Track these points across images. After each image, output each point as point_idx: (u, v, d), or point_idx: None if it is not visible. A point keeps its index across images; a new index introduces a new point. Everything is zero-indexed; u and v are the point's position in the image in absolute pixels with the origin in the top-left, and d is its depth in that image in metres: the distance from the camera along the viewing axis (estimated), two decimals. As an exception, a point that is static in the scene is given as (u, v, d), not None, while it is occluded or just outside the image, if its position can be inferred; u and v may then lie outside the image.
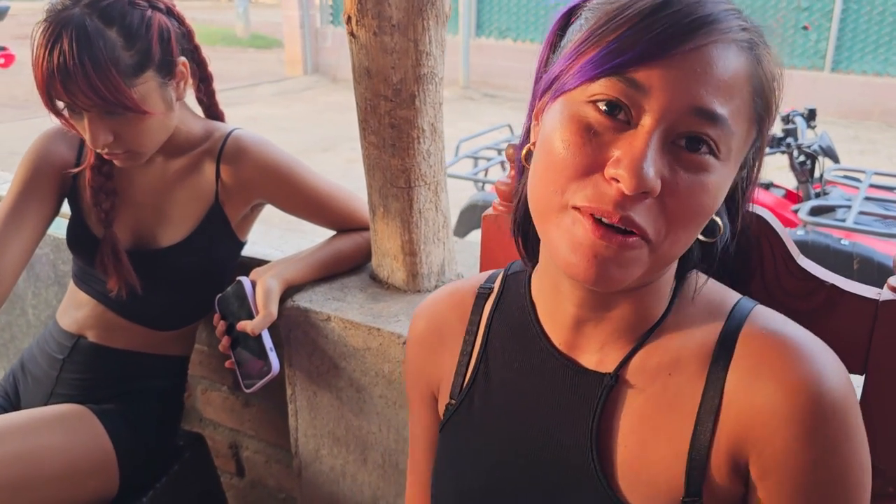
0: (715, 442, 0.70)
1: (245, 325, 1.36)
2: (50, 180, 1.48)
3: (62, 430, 1.39)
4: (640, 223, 0.63)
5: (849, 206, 2.87)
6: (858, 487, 0.69)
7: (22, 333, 2.16)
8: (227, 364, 1.42)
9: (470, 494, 0.83)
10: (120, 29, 1.26)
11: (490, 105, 10.07)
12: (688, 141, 0.64)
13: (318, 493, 1.55)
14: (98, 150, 1.33)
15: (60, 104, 1.30)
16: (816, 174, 3.21)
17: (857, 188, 2.99)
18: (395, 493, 1.44)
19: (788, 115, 3.27)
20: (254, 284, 1.41)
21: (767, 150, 2.97)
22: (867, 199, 2.89)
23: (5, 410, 1.56)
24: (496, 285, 0.90)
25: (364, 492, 1.48)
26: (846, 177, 3.27)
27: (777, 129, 3.24)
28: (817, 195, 3.16)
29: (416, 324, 0.94)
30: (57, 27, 1.22)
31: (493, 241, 1.11)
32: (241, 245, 1.56)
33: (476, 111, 9.59)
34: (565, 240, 0.66)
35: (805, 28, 9.12)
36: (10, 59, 5.11)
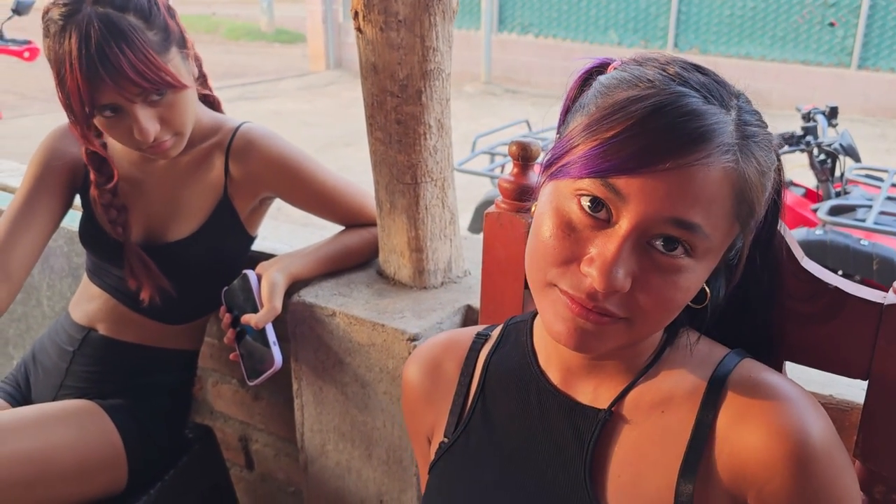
0: (708, 476, 0.73)
1: (249, 319, 1.36)
2: (60, 177, 1.49)
3: (72, 427, 1.40)
4: (613, 311, 0.69)
5: (870, 206, 2.82)
6: None
7: (37, 324, 2.18)
8: (231, 356, 1.42)
9: None
10: (135, 13, 1.27)
11: (512, 101, 10.03)
12: (663, 241, 0.68)
13: (324, 488, 1.56)
14: (149, 143, 1.32)
15: (99, 115, 1.29)
16: (837, 173, 3.16)
17: (879, 188, 2.94)
18: (399, 490, 1.44)
19: (809, 113, 3.21)
20: (259, 278, 1.41)
21: (786, 147, 2.92)
22: (889, 198, 2.84)
23: (16, 400, 1.58)
24: (495, 333, 0.93)
25: (369, 487, 1.49)
26: (868, 176, 3.22)
27: (797, 126, 3.19)
28: (837, 194, 3.11)
29: (410, 367, 0.96)
30: (78, 29, 1.22)
31: (496, 238, 1.10)
32: (251, 239, 1.57)
33: (498, 107, 9.56)
34: (550, 311, 0.73)
35: (832, 24, 8.99)
36: (34, 52, 5.16)
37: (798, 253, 0.88)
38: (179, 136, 1.37)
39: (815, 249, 2.82)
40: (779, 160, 0.76)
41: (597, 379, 0.81)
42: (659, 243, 0.68)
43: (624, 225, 0.67)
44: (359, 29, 1.31)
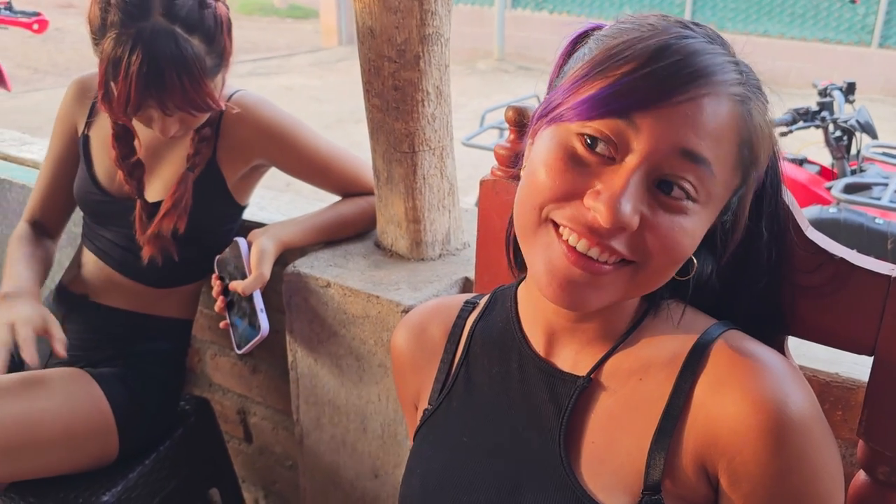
0: (680, 443, 0.72)
1: (236, 286, 1.34)
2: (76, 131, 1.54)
3: (59, 393, 1.39)
4: (620, 251, 0.67)
5: (886, 184, 2.76)
6: (828, 499, 0.71)
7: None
8: (221, 325, 1.41)
9: (430, 487, 0.84)
10: (201, 35, 1.28)
11: (525, 77, 9.93)
12: (667, 185, 0.66)
13: (319, 461, 1.54)
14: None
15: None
16: (853, 150, 3.09)
17: (895, 165, 2.88)
18: (394, 464, 1.42)
19: (826, 89, 3.14)
20: (250, 245, 1.39)
21: (800, 123, 2.86)
22: (906, 176, 2.78)
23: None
24: (483, 300, 0.92)
25: (364, 461, 1.47)
26: (885, 154, 3.15)
27: (812, 102, 3.12)
28: (853, 172, 3.04)
29: (399, 333, 0.96)
30: (143, 44, 1.22)
31: (490, 206, 1.07)
32: (240, 208, 1.54)
33: (511, 83, 9.47)
34: (542, 260, 0.70)
35: (853, 2, 8.81)
36: (43, 24, 5.14)
37: (803, 223, 0.84)
38: (190, 129, 1.40)
39: (828, 228, 2.76)
40: (771, 122, 0.74)
41: (577, 345, 0.80)
42: (663, 187, 0.66)
43: (633, 160, 0.65)
44: (355, -9, 1.27)
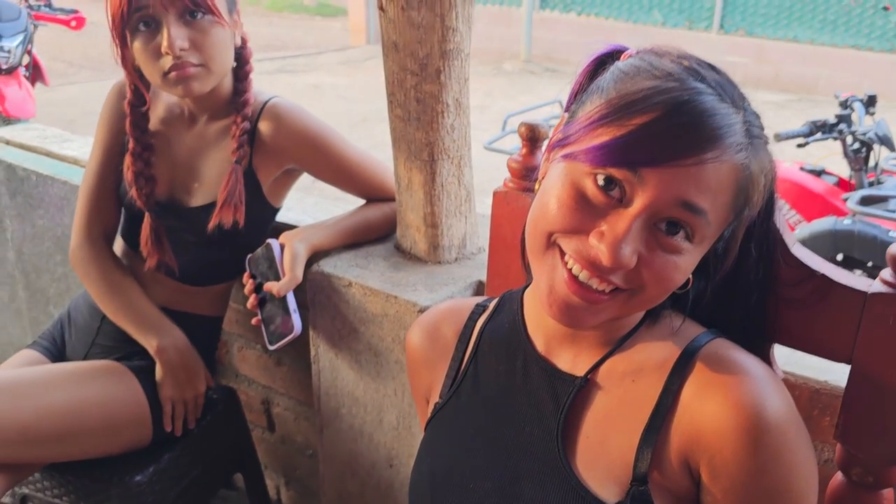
0: (666, 439, 0.78)
1: (271, 287, 1.42)
2: (120, 135, 1.60)
3: (101, 386, 1.49)
4: (616, 282, 0.74)
5: (903, 197, 2.78)
6: (802, 498, 0.77)
7: (76, 284, 2.28)
8: (253, 321, 1.49)
9: (438, 476, 0.92)
10: None
11: (551, 79, 9.95)
12: (668, 225, 0.73)
13: (338, 450, 1.63)
14: (174, 57, 1.37)
15: (135, 28, 1.37)
16: (872, 163, 3.12)
17: (914, 178, 2.90)
18: (409, 455, 1.50)
19: (847, 101, 3.16)
20: (282, 247, 1.47)
21: (819, 135, 2.88)
22: (924, 190, 2.80)
23: (53, 355, 1.68)
24: (492, 304, 0.99)
25: (380, 451, 1.55)
26: (904, 167, 3.16)
27: (830, 114, 3.15)
28: (871, 184, 3.06)
29: (413, 332, 1.03)
30: None
31: (502, 215, 1.14)
32: (274, 210, 1.62)
33: (537, 85, 9.49)
34: (546, 281, 0.77)
35: (885, 9, 8.73)
36: (81, 21, 5.29)
37: (789, 240, 0.90)
38: (205, 69, 1.42)
39: (842, 239, 2.80)
40: (772, 162, 0.80)
41: (577, 348, 0.86)
42: (664, 226, 0.73)
43: (637, 205, 0.71)
44: (381, 7, 1.35)
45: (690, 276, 0.80)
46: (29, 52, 5.12)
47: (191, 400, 1.57)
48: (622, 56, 0.81)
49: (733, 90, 0.75)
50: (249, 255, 1.52)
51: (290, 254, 1.45)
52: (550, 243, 0.77)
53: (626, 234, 0.71)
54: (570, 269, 0.75)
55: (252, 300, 1.49)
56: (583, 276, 0.74)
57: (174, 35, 1.36)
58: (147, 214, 1.53)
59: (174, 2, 1.35)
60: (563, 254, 0.76)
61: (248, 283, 1.49)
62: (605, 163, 0.71)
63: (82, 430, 1.45)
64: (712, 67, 0.76)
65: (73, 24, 5.31)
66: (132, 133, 1.53)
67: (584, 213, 0.73)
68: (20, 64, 4.94)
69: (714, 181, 0.71)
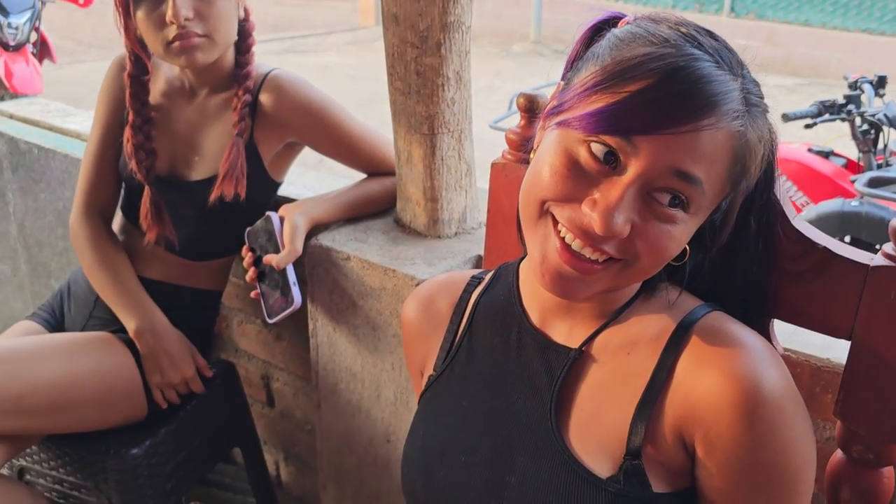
0: (661, 413, 0.77)
1: (271, 259, 1.42)
2: (121, 110, 1.59)
3: (94, 358, 1.49)
4: (610, 251, 0.73)
5: (912, 179, 2.74)
6: (799, 473, 0.75)
7: (77, 258, 2.28)
8: (252, 294, 1.48)
9: (431, 448, 0.91)
10: None
11: (560, 61, 9.60)
12: (662, 194, 0.71)
13: (335, 425, 1.62)
14: (179, 26, 1.36)
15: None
16: (881, 145, 3.08)
17: (924, 161, 2.86)
18: (406, 431, 1.47)
19: (856, 82, 3.12)
20: (282, 220, 1.46)
21: (827, 116, 2.85)
22: (933, 171, 2.76)
23: (52, 326, 1.68)
24: (488, 276, 0.98)
25: (377, 427, 1.54)
26: (914, 149, 3.12)
27: (839, 95, 3.11)
28: (879, 166, 3.03)
29: (409, 304, 1.02)
30: None
31: (500, 187, 1.13)
32: (276, 185, 1.61)
33: (546, 67, 9.42)
34: (538, 250, 0.76)
35: (899, -8, 8.61)
36: (88, -1, 5.25)
37: (790, 213, 0.89)
38: (209, 40, 1.41)
39: (850, 221, 2.77)
40: (772, 132, 0.79)
41: (572, 320, 0.85)
42: (659, 195, 0.71)
43: (630, 173, 0.70)
44: (381, -22, 1.33)
45: (687, 247, 0.79)
46: (36, 30, 5.09)
47: (179, 384, 1.55)
48: (619, 23, 0.79)
49: (731, 56, 0.73)
50: (248, 228, 1.51)
51: (289, 226, 1.44)
52: (543, 212, 0.75)
53: (619, 203, 0.70)
54: (562, 238, 0.74)
55: (251, 273, 1.48)
56: (576, 244, 0.73)
57: (179, 4, 1.34)
58: (147, 188, 1.52)
59: None
60: (556, 223, 0.74)
61: (248, 257, 1.49)
62: (599, 130, 0.70)
63: (76, 402, 1.45)
64: (710, 34, 0.74)
65: (82, 0, 5.28)
66: (132, 105, 1.51)
67: (577, 180, 0.72)
68: (28, 41, 4.90)
69: (710, 150, 0.70)
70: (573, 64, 0.82)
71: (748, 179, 0.77)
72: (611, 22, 0.80)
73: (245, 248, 1.50)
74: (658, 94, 0.68)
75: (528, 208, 0.77)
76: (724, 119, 0.70)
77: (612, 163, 0.71)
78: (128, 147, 1.53)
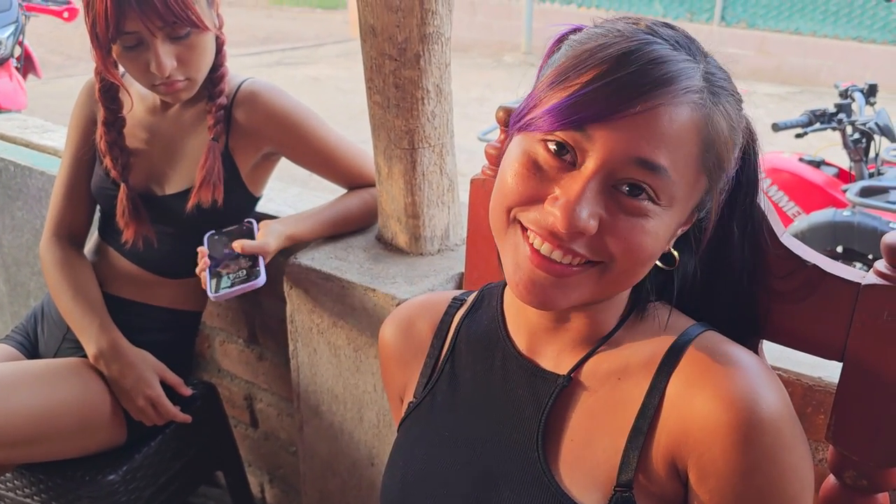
0: (653, 441, 0.73)
1: (238, 244, 1.38)
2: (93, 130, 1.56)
3: (73, 385, 1.44)
4: (581, 252, 0.69)
5: (903, 188, 2.72)
6: (796, 500, 0.71)
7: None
8: (197, 270, 1.42)
9: (410, 479, 0.87)
10: None
11: (550, 72, 9.88)
12: (628, 187, 0.68)
13: (318, 448, 1.58)
14: (163, 78, 1.36)
15: (121, 44, 1.33)
16: (872, 154, 3.06)
17: (915, 170, 2.84)
18: (388, 453, 1.45)
19: (847, 90, 3.11)
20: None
21: (817, 125, 2.82)
22: (925, 181, 2.74)
23: (27, 349, 1.63)
24: (471, 298, 0.94)
25: (360, 450, 1.50)
26: (905, 158, 3.11)
27: (830, 103, 3.09)
28: (871, 175, 3.00)
29: (386, 327, 0.98)
30: None
31: (480, 203, 1.09)
32: (254, 199, 1.57)
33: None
34: (511, 260, 0.73)
35: (888, 0, 8.64)
36: (73, 12, 5.24)
37: (778, 229, 0.86)
38: (192, 82, 1.41)
39: (842, 231, 2.74)
40: (749, 126, 0.76)
41: (560, 345, 0.81)
42: (624, 188, 0.68)
43: (589, 166, 0.67)
44: (358, -10, 1.30)
45: (675, 253, 0.76)
46: (20, 44, 5.06)
47: (146, 403, 1.49)
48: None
49: (690, 43, 0.71)
50: (210, 232, 1.46)
51: (265, 228, 1.42)
52: (511, 220, 0.73)
53: (580, 196, 0.67)
54: (531, 244, 0.71)
55: (202, 264, 1.41)
56: (545, 248, 0.70)
57: (163, 56, 1.34)
58: (122, 186, 1.49)
59: (162, 27, 1.32)
60: (525, 230, 0.72)
61: (202, 262, 1.41)
62: (553, 126, 0.68)
63: (54, 433, 1.41)
64: (669, 26, 0.72)
65: (66, 14, 5.26)
66: (103, 102, 1.48)
67: (538, 180, 0.70)
68: (11, 55, 4.88)
69: (669, 131, 0.67)
70: (539, 72, 0.80)
71: (726, 171, 0.74)
72: (575, 33, 0.78)
73: (202, 250, 1.43)
74: (609, 79, 0.66)
75: (497, 219, 0.75)
76: (680, 94, 0.66)
77: (570, 159, 0.69)
78: (101, 144, 1.49)
